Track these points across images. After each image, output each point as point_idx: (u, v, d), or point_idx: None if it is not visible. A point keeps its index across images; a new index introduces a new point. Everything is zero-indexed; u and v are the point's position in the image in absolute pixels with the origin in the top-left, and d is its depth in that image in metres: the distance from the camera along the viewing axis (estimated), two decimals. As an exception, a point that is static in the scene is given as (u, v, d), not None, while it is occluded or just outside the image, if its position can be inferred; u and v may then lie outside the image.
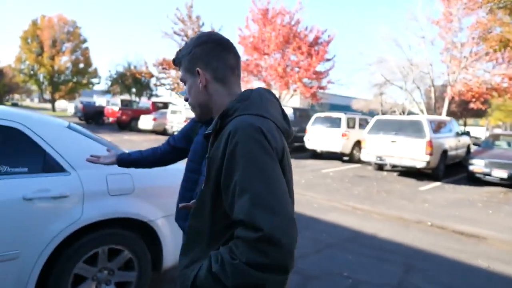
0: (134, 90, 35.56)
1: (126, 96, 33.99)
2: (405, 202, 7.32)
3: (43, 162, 2.32)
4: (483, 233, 5.59)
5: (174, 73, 26.20)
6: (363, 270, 3.89)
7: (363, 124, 13.30)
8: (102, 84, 39.83)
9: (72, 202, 2.33)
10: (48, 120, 2.51)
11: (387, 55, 17.60)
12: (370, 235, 5.17)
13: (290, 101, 20.57)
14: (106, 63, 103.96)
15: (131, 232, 2.63)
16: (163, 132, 19.02)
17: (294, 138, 14.41)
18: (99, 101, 32.57)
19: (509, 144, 11.10)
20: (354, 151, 12.66)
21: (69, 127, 2.62)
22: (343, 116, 12.67)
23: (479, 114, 32.96)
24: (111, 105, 23.80)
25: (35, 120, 2.39)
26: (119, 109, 21.46)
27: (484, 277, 3.98)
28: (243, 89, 1.22)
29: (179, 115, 17.78)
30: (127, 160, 2.12)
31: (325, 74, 18.41)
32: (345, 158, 12.77)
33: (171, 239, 2.80)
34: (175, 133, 2.23)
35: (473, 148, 12.48)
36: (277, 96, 20.51)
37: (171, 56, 26.00)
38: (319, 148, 13.00)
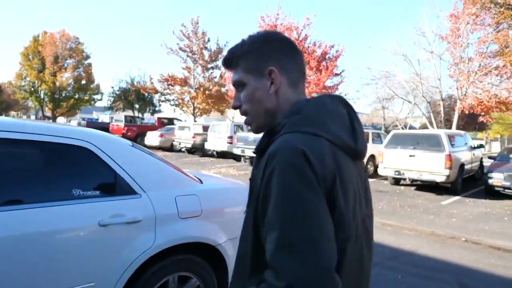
0: (137, 106, 35.52)
1: (129, 112, 33.94)
2: (432, 217, 7.18)
3: (114, 184, 2.19)
4: (521, 249, 5.45)
5: (178, 88, 26.21)
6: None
7: (375, 139, 13.22)
8: (104, 100, 39.77)
9: (144, 227, 2.19)
10: (114, 139, 2.39)
11: (395, 70, 17.72)
12: (409, 252, 5.02)
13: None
14: (108, 79, 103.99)
15: (199, 258, 2.48)
16: (170, 149, 18.86)
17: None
18: (102, 117, 32.49)
19: None
20: (369, 166, 12.54)
21: (133, 146, 2.50)
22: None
23: (480, 127, 33.04)
24: (115, 121, 23.69)
25: (103, 138, 2.27)
26: (124, 125, 21.33)
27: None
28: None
29: (187, 131, 17.66)
30: None
31: (335, 88, 18.43)
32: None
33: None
34: None
35: (488, 162, 12.40)
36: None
37: (176, 72, 26.12)
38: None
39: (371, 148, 12.52)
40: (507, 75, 13.61)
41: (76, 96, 37.59)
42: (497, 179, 9.48)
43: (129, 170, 2.25)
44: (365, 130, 13.01)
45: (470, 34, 14.50)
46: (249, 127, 1.07)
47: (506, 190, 9.32)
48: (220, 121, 20.32)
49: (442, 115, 16.51)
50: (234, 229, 2.66)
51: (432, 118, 18.57)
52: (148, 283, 2.20)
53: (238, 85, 1.02)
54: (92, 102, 39.14)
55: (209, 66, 25.95)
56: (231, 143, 15.53)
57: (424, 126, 33.01)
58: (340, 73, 18.63)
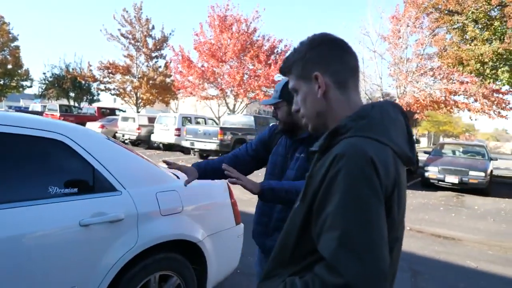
0: (72, 94, 33.09)
1: (63, 101, 31.51)
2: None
3: (93, 180, 2.01)
4: (458, 235, 6.01)
5: (120, 77, 24.91)
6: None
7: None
8: (34, 87, 36.43)
9: (127, 226, 2.05)
10: (90, 132, 2.20)
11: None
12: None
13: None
14: (40, 65, 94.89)
15: (180, 255, 2.38)
16: (113, 140, 17.88)
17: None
18: (33, 106, 29.82)
19: (454, 152, 12.22)
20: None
21: (108, 139, 2.32)
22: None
23: (413, 124, 35.75)
24: (48, 110, 21.94)
25: (78, 131, 2.07)
26: (60, 115, 19.84)
27: (484, 278, 4.26)
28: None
29: (131, 123, 16.89)
30: (208, 170, 2.04)
31: (283, 83, 18.74)
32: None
33: (214, 260, 2.60)
34: (251, 141, 2.14)
35: (423, 156, 13.49)
36: (232, 105, 20.53)
37: (117, 59, 24.77)
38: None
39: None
40: (441, 76, 14.88)
41: (1, 82, 34.07)
42: (432, 172, 10.35)
43: (108, 165, 2.08)
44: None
45: (410, 36, 15.63)
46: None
47: (440, 183, 10.23)
48: (165, 112, 19.74)
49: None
50: (212, 225, 2.62)
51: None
52: (130, 284, 2.07)
53: (294, 91, 1.09)
54: (20, 89, 35.72)
55: (153, 55, 24.98)
56: (179, 135, 15.15)
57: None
58: (289, 68, 18.98)
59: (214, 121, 18.17)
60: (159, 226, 2.22)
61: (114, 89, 25.58)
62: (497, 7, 8.85)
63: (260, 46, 18.48)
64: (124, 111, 23.96)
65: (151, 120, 17.14)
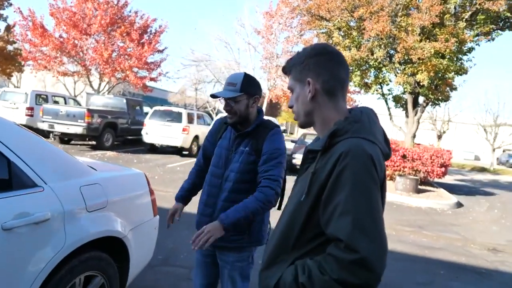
0: None
1: None
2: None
3: (10, 175, 1.69)
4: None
5: None
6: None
7: (200, 119, 13.82)
8: None
9: (53, 226, 1.79)
10: (1, 119, 1.81)
11: (217, 54, 18.78)
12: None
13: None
14: None
15: (104, 253, 2.19)
16: None
17: (128, 131, 13.57)
18: None
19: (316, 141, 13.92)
20: (193, 146, 13.03)
21: (18, 126, 1.95)
22: (183, 111, 12.80)
23: (274, 114, 38.79)
24: None
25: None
26: None
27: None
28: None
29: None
30: (190, 196, 2.23)
31: (157, 65, 17.89)
32: (185, 152, 12.97)
33: (135, 254, 2.48)
34: (203, 145, 2.23)
35: (291, 145, 14.96)
36: (97, 84, 18.55)
37: None
38: (158, 142, 12.71)
39: (195, 129, 13.06)
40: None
41: None
42: (298, 159, 11.63)
43: (25, 157, 1.77)
44: (190, 111, 13.42)
45: (281, 33, 16.91)
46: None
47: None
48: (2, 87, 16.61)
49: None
50: (134, 218, 2.50)
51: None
52: (56, 290, 1.82)
53: (290, 89, 1.25)
54: None
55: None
56: (31, 115, 13.02)
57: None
58: (163, 50, 18.27)
59: (76, 101, 16.22)
60: (86, 224, 2.00)
61: None
62: (356, 19, 10.42)
63: (132, 22, 17.17)
64: None
65: (-9, 95, 14.19)
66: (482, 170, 26.05)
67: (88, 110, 11.76)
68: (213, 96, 2.05)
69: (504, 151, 36.00)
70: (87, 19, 16.45)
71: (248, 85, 1.94)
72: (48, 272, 1.73)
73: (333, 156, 1.03)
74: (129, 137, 13.90)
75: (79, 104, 16.31)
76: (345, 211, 0.97)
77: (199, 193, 2.20)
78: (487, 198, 11.58)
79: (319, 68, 1.16)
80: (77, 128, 11.42)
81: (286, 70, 1.25)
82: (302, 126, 1.25)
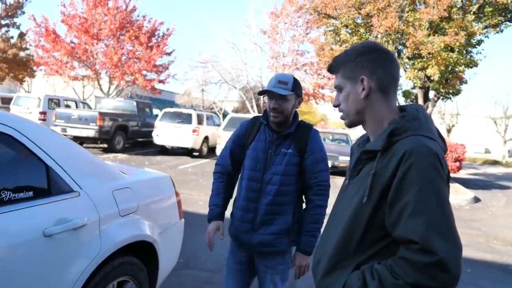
0: None
1: None
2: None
3: (48, 181, 1.71)
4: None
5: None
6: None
7: (210, 120, 13.87)
8: None
9: (90, 231, 1.81)
10: (37, 124, 1.84)
11: (224, 55, 18.80)
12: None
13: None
14: None
15: (136, 258, 2.21)
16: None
17: (138, 133, 13.67)
18: None
19: (324, 140, 13.91)
20: (203, 147, 13.07)
21: (53, 131, 1.98)
22: (193, 112, 12.85)
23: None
24: None
25: (26, 123, 1.72)
26: None
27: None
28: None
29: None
30: (223, 210, 2.09)
31: (166, 68, 17.98)
32: (195, 153, 13.02)
33: (164, 258, 2.50)
34: (222, 153, 2.14)
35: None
36: (107, 87, 18.68)
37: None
38: (169, 143, 12.79)
39: (205, 130, 13.10)
40: (312, 72, 16.63)
41: None
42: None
43: (61, 162, 1.79)
44: (200, 112, 13.48)
45: (287, 32, 16.89)
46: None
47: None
48: (13, 92, 16.82)
49: (262, 102, 18.78)
50: (162, 221, 2.51)
51: (247, 103, 20.72)
52: (92, 297, 1.85)
53: (338, 88, 1.21)
54: None
55: (4, 22, 20.86)
56: (44, 119, 13.19)
57: (236, 110, 36.20)
58: (171, 52, 18.36)
59: (87, 105, 16.39)
60: (119, 229, 2.02)
61: None
62: (364, 16, 10.37)
63: (140, 26, 17.28)
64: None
65: (5, 100, 14.43)
66: (495, 163, 25.72)
67: (100, 113, 11.87)
68: (262, 92, 2.00)
69: (515, 143, 35.56)
70: (97, 24, 16.62)
71: (296, 86, 1.93)
72: (85, 279, 1.74)
73: (395, 156, 1.01)
74: (140, 139, 13.99)
75: (89, 107, 16.46)
76: (416, 211, 0.94)
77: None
78: (503, 192, 11.43)
79: (373, 66, 1.14)
80: (89, 131, 11.55)
81: (333, 68, 1.21)
82: (351, 125, 1.22)
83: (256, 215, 1.93)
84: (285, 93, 1.87)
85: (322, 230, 1.35)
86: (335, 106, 1.23)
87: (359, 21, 11.07)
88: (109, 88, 18.85)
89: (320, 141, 2.00)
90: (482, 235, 6.10)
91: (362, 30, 10.89)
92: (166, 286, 3.21)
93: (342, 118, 1.22)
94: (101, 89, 18.89)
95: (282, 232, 1.93)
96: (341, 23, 10.99)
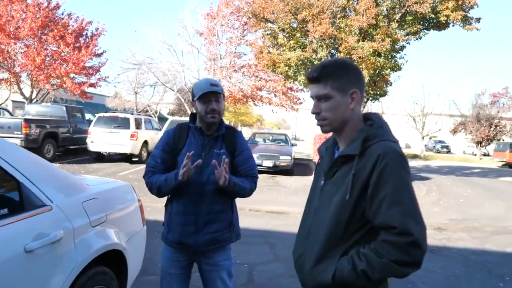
0: None
1: None
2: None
3: (21, 197, 1.66)
4: (285, 210, 7.28)
5: None
6: (254, 255, 4.48)
7: (148, 124, 13.48)
8: None
9: (66, 244, 1.78)
10: (3, 140, 1.77)
11: (160, 57, 18.29)
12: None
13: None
14: None
15: (107, 268, 2.19)
16: None
17: (70, 140, 12.81)
18: None
19: (264, 140, 14.31)
20: (143, 152, 12.67)
21: (19, 147, 1.90)
22: (131, 117, 12.40)
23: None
24: None
25: (-7, 138, 1.64)
26: None
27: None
28: None
29: None
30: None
31: (97, 70, 16.96)
32: (135, 159, 12.57)
33: (132, 265, 2.50)
34: (152, 159, 2.13)
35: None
36: (29, 92, 17.10)
37: None
38: (106, 150, 12.18)
39: (144, 134, 12.71)
40: (250, 74, 16.93)
41: None
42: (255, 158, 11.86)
43: (31, 177, 1.74)
44: (137, 117, 13.04)
45: (224, 34, 16.97)
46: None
47: (258, 167, 11.82)
48: None
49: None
50: (128, 229, 2.51)
51: (186, 105, 20.43)
52: (69, 311, 1.81)
53: (324, 97, 1.30)
54: None
55: None
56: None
57: (172, 113, 35.40)
58: (102, 53, 17.41)
59: (8, 111, 14.93)
60: (92, 239, 2.00)
61: None
62: (299, 21, 10.90)
63: (65, 25, 16.10)
64: None
65: None
66: (414, 157, 28.42)
67: (25, 120, 10.95)
68: (202, 95, 1.99)
69: (430, 138, 39.63)
70: (14, 22, 15.15)
71: (222, 88, 2.10)
72: (65, 291, 1.72)
73: (370, 159, 1.19)
74: (72, 147, 13.14)
75: (11, 114, 15.01)
76: (393, 202, 1.14)
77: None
78: (424, 182, 12.75)
79: (359, 80, 1.31)
80: (15, 141, 10.50)
81: (318, 78, 1.29)
82: (331, 131, 1.34)
83: (198, 217, 1.98)
84: (217, 90, 1.99)
85: (298, 226, 1.46)
86: (314, 113, 1.33)
87: (295, 25, 11.58)
88: (32, 92, 17.31)
89: (245, 140, 2.21)
90: (411, 221, 6.81)
91: (298, 35, 11.42)
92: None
93: (321, 125, 1.33)
94: (22, 94, 17.28)
95: (224, 228, 2.04)
96: (278, 27, 11.41)
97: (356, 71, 1.34)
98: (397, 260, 1.13)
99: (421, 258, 1.15)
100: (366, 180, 1.19)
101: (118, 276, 2.36)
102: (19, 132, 10.63)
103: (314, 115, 1.34)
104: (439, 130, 32.10)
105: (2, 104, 20.52)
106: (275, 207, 7.41)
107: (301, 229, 1.45)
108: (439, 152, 38.05)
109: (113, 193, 2.49)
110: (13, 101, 23.77)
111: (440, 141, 40.83)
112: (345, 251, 1.23)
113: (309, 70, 1.34)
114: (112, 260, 2.27)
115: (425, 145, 35.86)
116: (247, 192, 2.07)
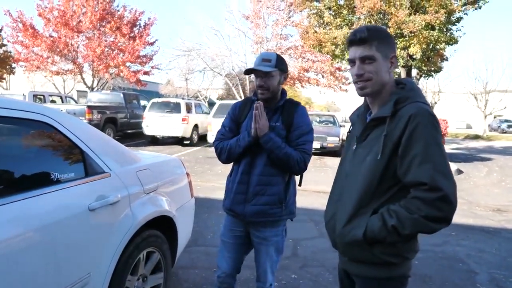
0: None
1: None
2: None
3: (84, 164, 1.90)
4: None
5: None
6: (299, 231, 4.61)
7: (198, 108, 13.96)
8: None
9: (123, 207, 2.01)
10: (70, 115, 2.02)
11: (208, 42, 18.75)
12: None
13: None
14: None
15: (159, 232, 2.42)
16: None
17: (128, 125, 13.68)
18: None
19: (312, 121, 14.17)
20: (193, 135, 13.20)
21: (82, 121, 2.16)
22: (182, 101, 12.93)
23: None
24: None
25: (59, 112, 1.89)
26: None
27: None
28: None
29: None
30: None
31: (150, 58, 17.83)
32: (186, 142, 13.15)
33: (182, 232, 2.71)
34: (222, 129, 2.17)
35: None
36: (90, 81, 18.48)
37: None
38: (159, 133, 12.87)
39: (194, 118, 13.20)
40: (296, 55, 16.78)
41: None
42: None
43: (93, 147, 1.98)
44: (188, 101, 13.55)
45: (269, 16, 16.91)
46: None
47: (305, 148, 11.84)
48: (5, 90, 16.44)
49: (249, 88, 18.86)
50: (178, 199, 2.71)
51: (233, 89, 20.76)
52: (127, 264, 2.05)
53: (369, 58, 1.33)
54: None
55: (-23, 19, 20.19)
56: None
57: (221, 98, 36.11)
58: (154, 42, 18.19)
59: (73, 99, 16.23)
60: (146, 205, 2.22)
61: None
62: (347, -2, 10.59)
63: (121, 17, 17.03)
64: None
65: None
66: (476, 137, 26.58)
67: (88, 106, 11.85)
68: (248, 71, 2.07)
69: (495, 117, 36.73)
70: (76, 16, 16.30)
71: (280, 62, 2.02)
72: (123, 247, 1.96)
73: (402, 119, 1.24)
74: (129, 131, 14.01)
75: (75, 101, 16.31)
76: (424, 160, 1.18)
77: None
78: (484, 163, 11.98)
79: (395, 47, 1.39)
80: (79, 126, 11.53)
81: (367, 39, 1.32)
82: (370, 94, 1.37)
83: (248, 186, 2.02)
84: (268, 69, 1.96)
85: (330, 189, 1.52)
86: (358, 74, 1.34)
87: (341, 2, 11.23)
88: (93, 81, 18.62)
89: (307, 116, 2.09)
90: (465, 203, 6.51)
91: (345, 12, 11.08)
92: (180, 262, 3.44)
93: (364, 86, 1.35)
94: (84, 83, 18.66)
95: (274, 202, 2.01)
96: (324, 5, 11.14)
97: (392, 38, 1.40)
98: (427, 215, 1.16)
99: (451, 214, 1.18)
100: (398, 139, 1.24)
101: (170, 241, 2.60)
102: (83, 118, 11.55)
103: (355, 77, 1.36)
104: (505, 108, 29.66)
105: (68, 93, 22.32)
106: (321, 187, 7.44)
107: (332, 192, 1.52)
108: (505, 132, 34.99)
109: (163, 166, 2.71)
110: (77, 91, 25.77)
111: (506, 120, 37.48)
112: (376, 210, 1.29)
113: (354, 32, 1.36)
114: (164, 226, 2.51)
115: (489, 124, 33.31)
116: (292, 162, 1.96)
